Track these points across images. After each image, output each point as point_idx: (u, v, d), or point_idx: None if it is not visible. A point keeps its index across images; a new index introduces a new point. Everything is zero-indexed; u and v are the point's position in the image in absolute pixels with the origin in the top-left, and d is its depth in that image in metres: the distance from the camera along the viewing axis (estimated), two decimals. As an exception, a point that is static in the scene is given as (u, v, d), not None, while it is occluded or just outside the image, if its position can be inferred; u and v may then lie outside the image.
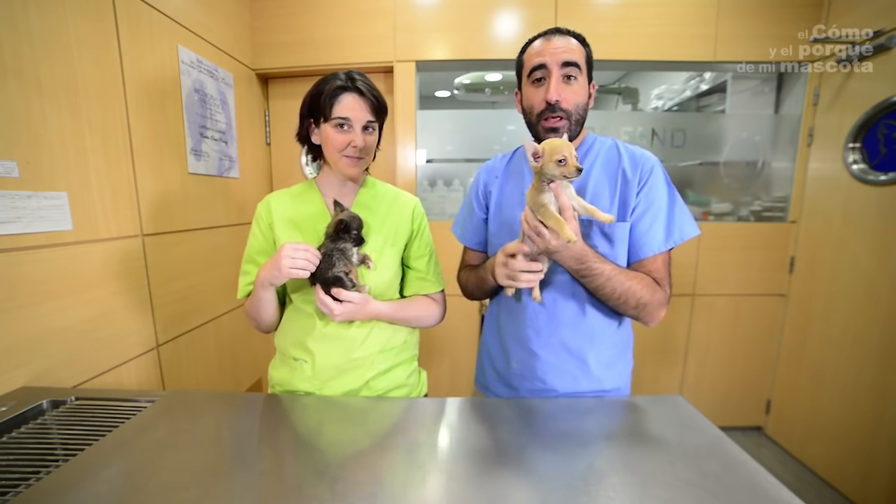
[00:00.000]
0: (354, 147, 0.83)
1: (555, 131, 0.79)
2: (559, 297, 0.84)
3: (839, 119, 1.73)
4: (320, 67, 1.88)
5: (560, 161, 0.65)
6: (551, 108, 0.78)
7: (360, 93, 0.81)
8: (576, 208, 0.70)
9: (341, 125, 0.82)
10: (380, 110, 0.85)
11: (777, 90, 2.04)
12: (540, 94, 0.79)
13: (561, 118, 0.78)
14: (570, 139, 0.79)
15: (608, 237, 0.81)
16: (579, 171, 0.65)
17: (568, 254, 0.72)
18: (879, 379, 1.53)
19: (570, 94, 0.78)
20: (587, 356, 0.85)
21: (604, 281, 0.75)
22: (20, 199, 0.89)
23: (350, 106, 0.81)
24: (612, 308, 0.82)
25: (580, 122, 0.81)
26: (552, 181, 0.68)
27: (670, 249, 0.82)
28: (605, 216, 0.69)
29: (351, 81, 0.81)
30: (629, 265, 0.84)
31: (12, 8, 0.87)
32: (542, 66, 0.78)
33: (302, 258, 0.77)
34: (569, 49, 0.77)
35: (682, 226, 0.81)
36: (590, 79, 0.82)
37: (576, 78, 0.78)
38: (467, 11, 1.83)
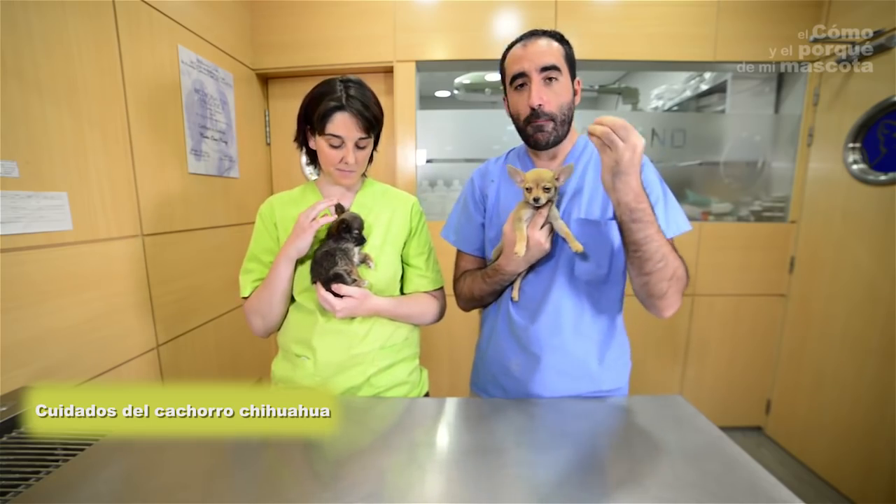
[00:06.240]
0: (346, 163, 0.84)
1: (542, 131, 0.81)
2: (561, 299, 0.84)
3: (839, 119, 1.73)
4: (320, 67, 1.87)
5: (528, 189, 0.75)
6: (535, 112, 0.79)
7: (354, 112, 0.81)
8: (555, 229, 0.79)
9: (333, 143, 0.83)
10: (373, 126, 0.84)
11: (777, 90, 2.04)
12: (524, 100, 0.80)
13: (546, 120, 0.80)
14: (559, 139, 0.82)
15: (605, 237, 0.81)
16: (536, 200, 0.75)
17: (635, 180, 0.65)
18: (879, 379, 1.53)
19: (553, 96, 0.79)
20: (587, 358, 0.85)
21: (653, 232, 0.68)
22: (20, 199, 0.89)
23: (342, 125, 0.81)
24: (645, 282, 0.74)
25: (566, 122, 0.82)
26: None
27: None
28: (577, 245, 0.76)
29: (346, 98, 0.80)
30: None
31: (13, 8, 0.87)
32: (522, 74, 0.79)
33: (314, 210, 0.82)
34: (546, 52, 0.78)
35: (676, 219, 0.82)
36: (573, 76, 0.82)
37: (557, 79, 0.78)
38: (467, 11, 1.83)
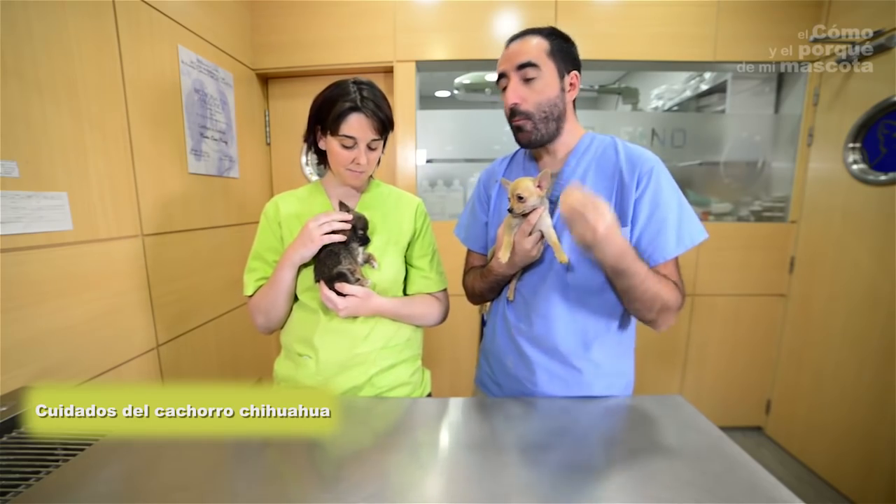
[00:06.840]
0: (358, 164, 0.84)
1: (521, 131, 0.81)
2: (554, 303, 0.83)
3: (839, 119, 1.73)
4: (320, 67, 1.88)
5: (509, 198, 0.76)
6: (513, 111, 0.80)
7: (368, 113, 0.82)
8: (545, 235, 0.78)
9: (346, 144, 0.83)
10: (385, 127, 0.86)
11: (777, 90, 2.04)
12: (505, 100, 0.81)
13: (523, 119, 0.79)
14: (543, 137, 0.80)
15: None
16: (510, 210, 0.76)
17: (610, 249, 0.66)
18: (879, 379, 1.53)
19: (530, 94, 0.78)
20: (580, 362, 0.84)
21: (638, 282, 0.71)
22: (20, 199, 0.89)
23: (357, 126, 0.82)
24: (633, 311, 0.79)
25: (550, 119, 0.79)
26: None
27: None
28: (563, 256, 0.76)
29: (361, 99, 0.81)
30: None
31: (13, 8, 0.87)
32: (503, 75, 0.80)
33: (326, 223, 0.81)
34: (522, 51, 0.77)
35: (691, 230, 0.78)
36: (564, 70, 0.79)
37: (536, 77, 0.77)
38: (467, 11, 1.83)
